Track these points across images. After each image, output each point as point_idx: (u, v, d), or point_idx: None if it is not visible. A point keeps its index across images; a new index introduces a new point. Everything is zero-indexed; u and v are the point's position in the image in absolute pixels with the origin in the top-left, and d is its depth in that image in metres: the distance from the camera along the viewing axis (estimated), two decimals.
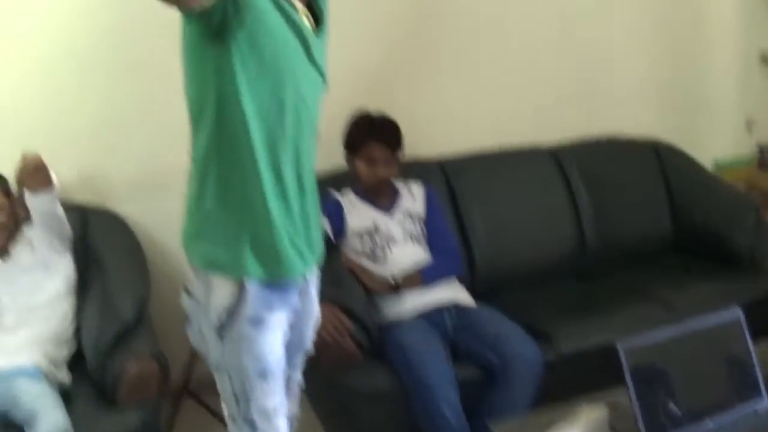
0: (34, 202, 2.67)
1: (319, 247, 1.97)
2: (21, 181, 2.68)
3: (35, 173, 2.61)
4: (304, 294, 1.97)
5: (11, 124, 2.98)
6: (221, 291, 1.79)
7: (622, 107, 3.84)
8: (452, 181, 3.29)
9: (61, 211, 2.74)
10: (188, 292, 1.87)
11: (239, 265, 1.79)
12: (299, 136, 1.82)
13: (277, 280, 1.83)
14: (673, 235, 3.56)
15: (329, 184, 2.93)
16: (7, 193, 2.77)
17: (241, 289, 1.79)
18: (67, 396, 2.56)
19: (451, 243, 3.00)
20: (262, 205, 1.77)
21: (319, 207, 1.97)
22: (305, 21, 1.80)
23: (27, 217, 2.75)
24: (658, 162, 3.65)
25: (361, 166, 2.88)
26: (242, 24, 1.64)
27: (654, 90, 3.90)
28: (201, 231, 1.83)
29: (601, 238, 3.42)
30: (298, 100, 1.79)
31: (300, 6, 1.80)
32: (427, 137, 3.36)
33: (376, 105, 2.99)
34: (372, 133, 2.86)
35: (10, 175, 2.73)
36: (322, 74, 1.86)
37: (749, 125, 4.09)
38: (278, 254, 1.82)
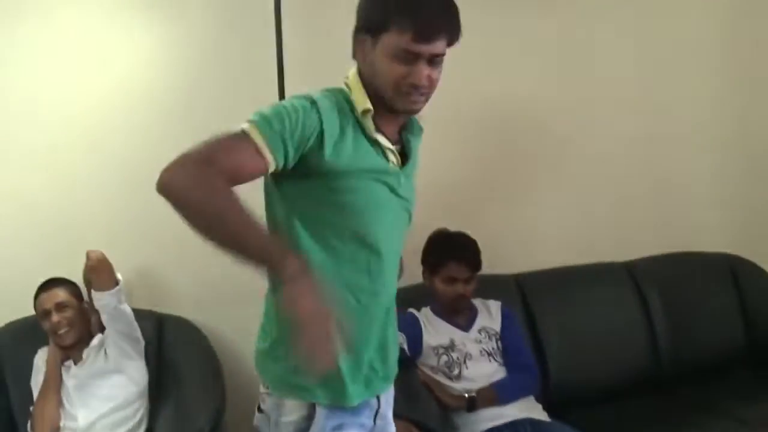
0: (101, 300, 2.76)
1: (395, 368, 2.03)
2: (87, 280, 2.79)
3: (100, 270, 2.72)
4: (378, 414, 1.99)
5: (76, 227, 3.09)
6: (292, 411, 1.85)
7: (696, 223, 3.88)
8: (528, 297, 3.35)
9: (129, 310, 2.81)
10: (260, 409, 1.92)
11: (307, 389, 1.84)
12: (379, 267, 1.88)
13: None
14: (747, 350, 3.57)
15: (406, 300, 2.88)
16: (77, 296, 2.86)
17: (310, 410, 1.85)
18: None
19: (528, 360, 3.02)
20: None
21: (397, 325, 2.04)
22: (392, 157, 1.87)
23: (101, 323, 2.83)
24: (732, 277, 3.68)
25: (440, 285, 2.94)
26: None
27: (728, 207, 3.93)
28: (273, 352, 1.87)
29: (675, 352, 3.44)
30: (379, 235, 1.86)
31: (385, 142, 1.85)
32: (503, 254, 3.41)
33: (454, 223, 3.05)
34: (452, 253, 2.92)
35: (79, 280, 2.84)
36: (407, 208, 1.95)
37: None
38: (342, 384, 1.86)
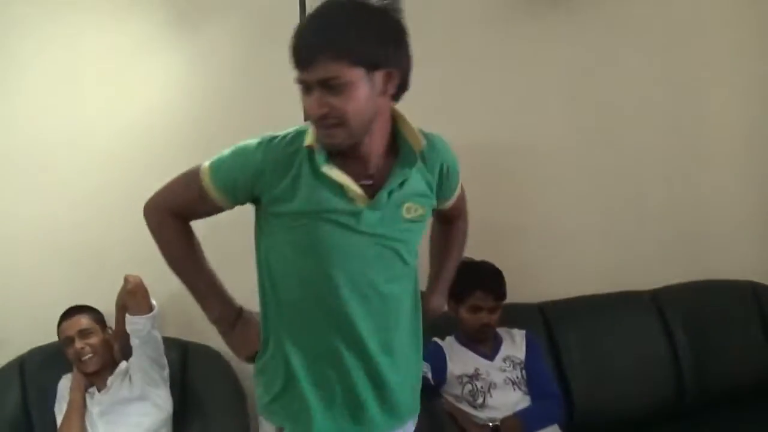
0: (136, 324, 2.77)
1: (405, 407, 2.04)
2: (122, 304, 2.79)
3: (136, 295, 2.74)
4: None
5: (109, 257, 3.10)
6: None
7: (721, 251, 3.85)
8: (552, 325, 3.34)
9: (159, 337, 2.83)
10: None
11: (275, 413, 1.96)
12: (341, 303, 1.87)
13: None
14: None
15: (431, 329, 2.82)
16: (100, 323, 2.89)
17: None
18: None
19: (552, 388, 3.01)
20: (288, 367, 1.93)
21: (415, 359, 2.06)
22: (355, 193, 1.82)
23: (125, 351, 2.84)
24: (757, 303, 3.65)
25: (465, 314, 2.94)
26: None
27: (753, 232, 3.90)
28: (259, 372, 2.01)
29: (700, 381, 3.41)
30: (333, 275, 1.86)
31: (340, 177, 1.80)
32: (527, 283, 3.39)
33: (478, 252, 2.99)
34: (477, 283, 2.91)
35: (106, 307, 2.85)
36: (384, 244, 1.88)
37: None
38: (309, 417, 1.91)
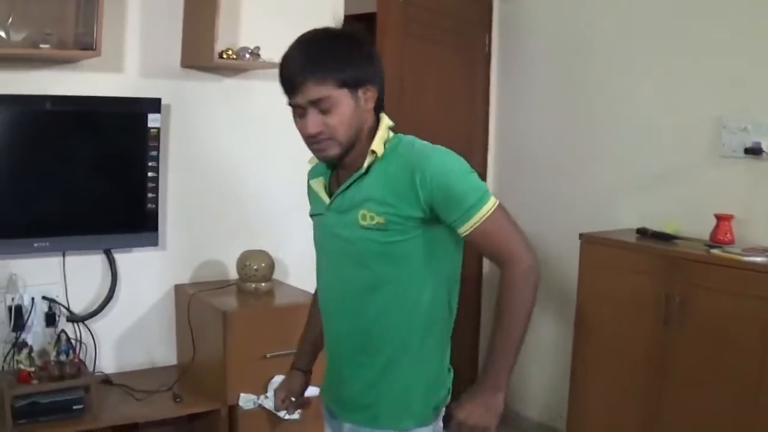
0: None
1: (348, 402, 2.05)
2: None
3: None
4: None
5: None
6: None
7: None
8: None
9: None
10: None
11: None
12: (324, 304, 2.06)
13: None
14: None
15: None
16: None
17: None
18: None
19: None
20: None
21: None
22: (326, 198, 1.97)
23: None
24: None
25: None
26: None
27: None
28: None
29: None
30: (319, 273, 2.06)
31: (316, 186, 2.00)
32: None
33: None
34: None
35: None
36: (345, 250, 1.93)
37: None
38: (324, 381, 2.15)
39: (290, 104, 1.81)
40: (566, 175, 4.29)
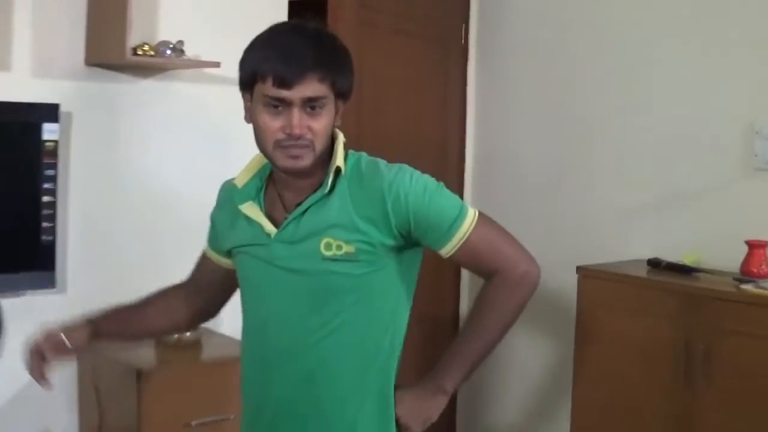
0: None
1: None
2: None
3: None
4: None
5: None
6: None
7: None
8: None
9: None
10: None
11: None
12: (265, 353, 1.89)
13: None
14: None
15: None
16: None
17: None
18: None
19: None
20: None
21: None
22: (268, 226, 1.84)
23: None
24: None
25: None
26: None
27: None
28: None
29: None
30: (256, 313, 1.91)
31: (251, 212, 1.85)
32: None
33: None
34: None
35: None
36: (305, 284, 1.81)
37: None
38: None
39: (272, 96, 1.71)
40: (560, 194, 4.13)
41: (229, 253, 1.93)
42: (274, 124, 1.73)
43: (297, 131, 1.71)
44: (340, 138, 1.84)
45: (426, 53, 4.46)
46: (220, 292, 2.05)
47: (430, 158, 4.15)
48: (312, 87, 1.71)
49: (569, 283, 3.56)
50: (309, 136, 1.74)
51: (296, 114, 1.71)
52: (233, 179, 1.91)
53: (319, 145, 1.75)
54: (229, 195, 1.92)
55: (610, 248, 3.80)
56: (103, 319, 2.04)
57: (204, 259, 2.05)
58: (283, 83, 1.69)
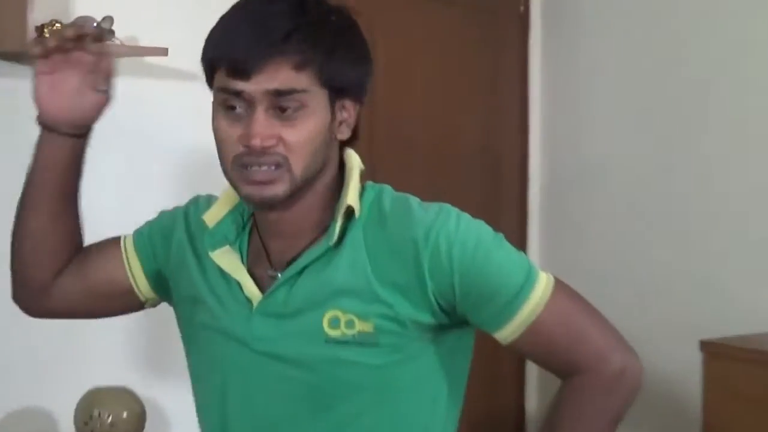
0: None
1: None
2: None
3: None
4: None
5: None
6: None
7: None
8: None
9: None
10: None
11: None
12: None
13: None
14: None
15: None
16: None
17: None
18: None
19: None
20: None
21: None
22: (251, 289, 1.57)
23: None
24: None
25: None
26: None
27: None
28: None
29: None
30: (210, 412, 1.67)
31: (229, 266, 1.58)
32: None
33: None
34: None
35: None
36: (290, 374, 1.56)
37: None
38: None
39: (227, 90, 1.43)
40: (667, 233, 3.63)
41: (158, 282, 1.69)
42: (230, 132, 1.47)
43: (256, 141, 1.43)
44: (354, 162, 1.57)
45: (467, 24, 3.97)
46: (92, 301, 1.73)
47: (474, 175, 3.78)
48: (281, 75, 1.43)
49: (689, 364, 3.13)
50: (280, 149, 1.45)
51: (258, 116, 1.44)
52: (205, 208, 1.67)
53: (299, 165, 1.47)
54: (196, 228, 1.69)
55: (744, 314, 3.33)
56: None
57: (110, 248, 1.73)
58: (238, 70, 1.44)
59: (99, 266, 1.71)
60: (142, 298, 1.66)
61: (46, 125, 1.60)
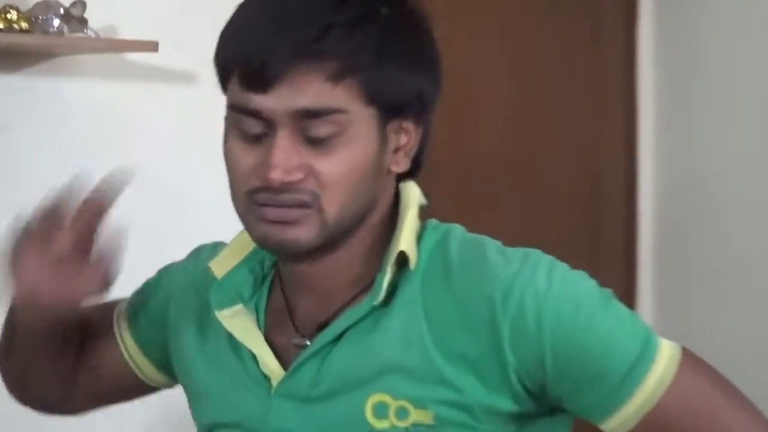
0: None
1: None
2: None
3: None
4: None
5: None
6: None
7: None
8: None
9: None
10: None
11: None
12: None
13: None
14: None
15: None
16: None
17: None
18: None
19: None
20: None
21: None
22: (271, 365, 1.38)
23: None
24: None
25: None
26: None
27: None
28: None
29: None
30: None
31: (243, 335, 1.39)
32: None
33: None
34: None
35: None
36: None
37: None
38: None
39: (240, 108, 1.22)
40: None
41: (161, 361, 1.50)
42: (244, 159, 1.25)
43: (275, 175, 1.19)
44: (412, 196, 1.31)
45: (556, 13, 3.60)
46: (114, 399, 1.59)
47: (566, 210, 3.46)
48: (312, 89, 1.19)
49: None
50: (309, 185, 1.21)
51: (280, 142, 1.21)
52: (211, 257, 1.44)
53: (334, 205, 1.23)
54: (200, 283, 1.45)
55: None
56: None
57: (107, 347, 1.53)
58: (253, 80, 1.21)
59: (103, 374, 1.58)
60: (165, 386, 1.56)
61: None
